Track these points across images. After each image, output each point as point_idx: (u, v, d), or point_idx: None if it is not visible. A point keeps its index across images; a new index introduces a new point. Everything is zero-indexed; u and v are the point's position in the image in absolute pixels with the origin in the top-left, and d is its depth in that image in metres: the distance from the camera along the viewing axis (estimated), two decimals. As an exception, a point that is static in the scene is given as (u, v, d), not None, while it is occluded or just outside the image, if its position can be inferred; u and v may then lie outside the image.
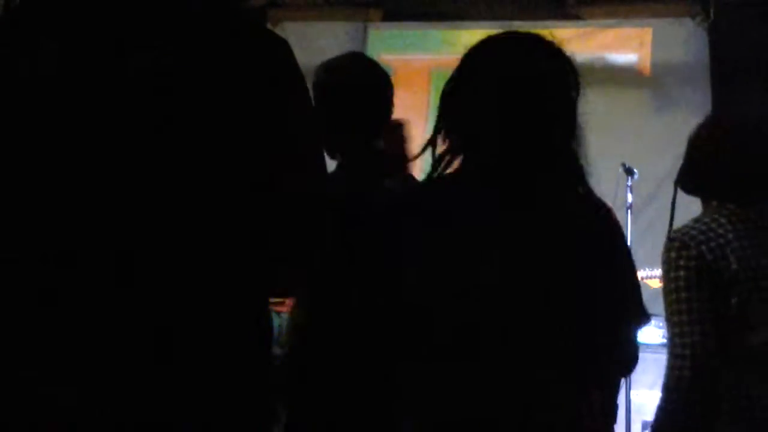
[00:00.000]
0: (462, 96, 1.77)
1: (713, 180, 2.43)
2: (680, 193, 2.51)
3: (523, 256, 1.71)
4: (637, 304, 1.80)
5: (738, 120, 2.71)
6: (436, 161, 1.77)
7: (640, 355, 1.87)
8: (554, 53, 1.77)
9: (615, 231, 1.80)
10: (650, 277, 4.78)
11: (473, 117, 1.75)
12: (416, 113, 6.44)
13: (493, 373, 1.70)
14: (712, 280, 2.26)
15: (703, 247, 2.27)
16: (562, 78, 1.76)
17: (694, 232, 2.31)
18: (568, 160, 1.75)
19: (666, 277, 2.34)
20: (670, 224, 2.46)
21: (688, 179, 2.49)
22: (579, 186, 1.77)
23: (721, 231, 2.30)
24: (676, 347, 2.24)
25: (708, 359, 2.20)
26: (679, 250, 2.30)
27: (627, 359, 1.81)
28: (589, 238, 1.74)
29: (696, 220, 2.36)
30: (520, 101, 1.72)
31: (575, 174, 1.77)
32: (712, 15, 5.68)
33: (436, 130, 1.79)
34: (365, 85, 2.48)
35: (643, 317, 1.81)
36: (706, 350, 2.20)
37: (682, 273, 2.28)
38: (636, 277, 1.84)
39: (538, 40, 1.78)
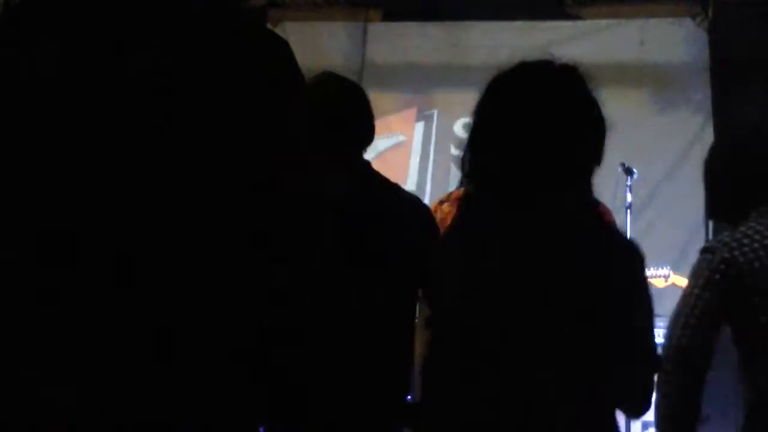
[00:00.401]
0: (479, 128, 1.80)
1: (728, 193, 2.47)
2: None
3: (522, 257, 1.71)
4: (644, 302, 1.78)
5: (736, 130, 2.77)
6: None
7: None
8: (567, 79, 1.79)
9: (612, 229, 1.81)
10: (654, 277, 4.79)
11: (485, 144, 1.78)
12: (416, 113, 6.46)
13: (493, 374, 1.70)
14: (743, 282, 2.30)
15: (736, 252, 2.31)
16: (574, 104, 1.77)
17: (726, 239, 2.35)
18: (576, 174, 1.76)
19: (690, 278, 2.40)
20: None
21: (714, 207, 2.55)
22: (578, 184, 1.77)
23: (757, 237, 2.34)
24: (668, 330, 2.33)
25: (686, 353, 2.28)
26: (708, 253, 2.35)
27: (646, 356, 1.79)
28: (588, 237, 1.74)
29: (730, 233, 2.41)
30: (527, 126, 1.74)
31: (576, 175, 1.77)
32: (712, 15, 5.68)
33: (463, 161, 1.81)
34: (360, 97, 2.49)
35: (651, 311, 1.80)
36: (685, 346, 2.28)
37: (706, 273, 2.33)
38: (641, 274, 1.83)
39: (550, 67, 1.80)
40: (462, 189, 1.84)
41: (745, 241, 2.33)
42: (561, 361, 1.69)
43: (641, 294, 1.76)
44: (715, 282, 2.30)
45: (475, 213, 1.79)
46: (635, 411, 1.84)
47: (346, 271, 2.14)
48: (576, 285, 1.69)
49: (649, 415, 4.89)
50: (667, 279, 4.78)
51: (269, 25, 5.46)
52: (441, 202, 3.55)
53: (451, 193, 3.56)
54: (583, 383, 1.70)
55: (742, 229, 2.37)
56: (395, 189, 2.48)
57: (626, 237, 1.85)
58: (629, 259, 1.76)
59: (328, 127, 2.29)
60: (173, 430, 1.24)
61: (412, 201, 2.53)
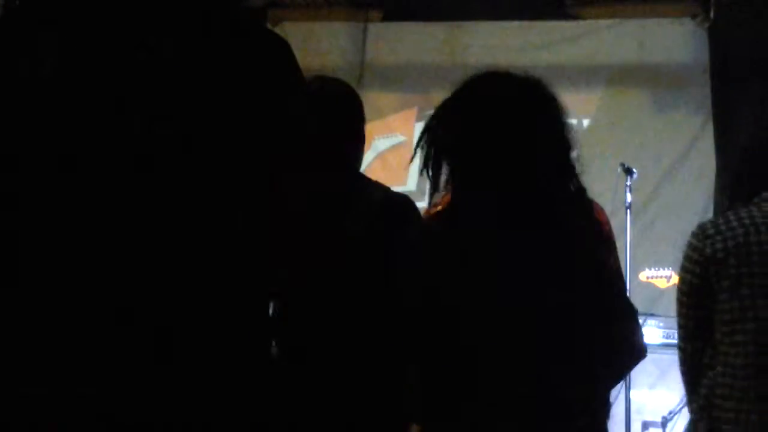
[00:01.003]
0: (445, 129, 1.82)
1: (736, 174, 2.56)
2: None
3: (513, 266, 1.73)
4: (621, 299, 1.82)
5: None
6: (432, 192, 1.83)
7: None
8: (526, 81, 1.81)
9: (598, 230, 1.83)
10: (656, 277, 4.78)
11: (457, 143, 1.80)
12: (416, 113, 6.46)
13: (491, 375, 1.71)
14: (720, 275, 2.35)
15: (717, 246, 2.36)
16: (533, 102, 1.79)
17: (710, 230, 2.40)
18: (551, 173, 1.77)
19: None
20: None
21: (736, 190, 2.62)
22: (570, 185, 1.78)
23: (744, 222, 2.38)
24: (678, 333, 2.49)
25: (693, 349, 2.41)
26: (692, 244, 2.41)
27: (627, 351, 1.82)
28: (575, 245, 1.76)
29: (717, 217, 2.48)
30: (497, 124, 1.76)
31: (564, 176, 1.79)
32: (712, 15, 5.68)
33: (427, 161, 1.83)
34: (352, 95, 2.50)
35: (631, 309, 1.83)
36: (694, 345, 2.43)
37: (688, 269, 2.39)
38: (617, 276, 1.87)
39: (509, 74, 1.83)
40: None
41: (723, 228, 2.42)
42: (554, 360, 1.70)
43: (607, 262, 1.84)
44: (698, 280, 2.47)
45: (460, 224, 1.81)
46: (628, 364, 1.89)
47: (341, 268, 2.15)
48: (564, 287, 1.71)
49: (649, 416, 4.88)
50: (669, 279, 4.77)
51: (269, 25, 5.46)
52: (435, 206, 3.55)
53: (444, 197, 3.57)
54: (565, 382, 1.71)
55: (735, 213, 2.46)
56: (383, 187, 2.50)
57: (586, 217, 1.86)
58: (599, 241, 1.83)
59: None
60: (173, 430, 1.24)
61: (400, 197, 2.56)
